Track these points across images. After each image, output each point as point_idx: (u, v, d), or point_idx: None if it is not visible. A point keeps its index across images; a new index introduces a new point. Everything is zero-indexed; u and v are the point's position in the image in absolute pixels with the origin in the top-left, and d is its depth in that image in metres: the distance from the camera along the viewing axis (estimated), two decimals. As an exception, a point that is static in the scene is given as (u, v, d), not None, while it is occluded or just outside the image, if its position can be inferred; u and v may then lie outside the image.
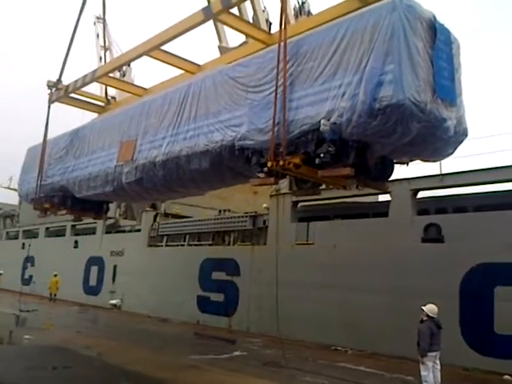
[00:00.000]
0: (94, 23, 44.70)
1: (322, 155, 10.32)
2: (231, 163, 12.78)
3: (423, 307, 10.89)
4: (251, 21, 28.19)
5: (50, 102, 19.72)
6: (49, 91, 19.61)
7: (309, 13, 30.63)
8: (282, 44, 10.98)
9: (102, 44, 45.66)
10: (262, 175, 11.55)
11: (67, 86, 18.90)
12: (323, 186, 13.68)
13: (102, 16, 45.98)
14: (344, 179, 11.16)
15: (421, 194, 17.46)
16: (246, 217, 22.91)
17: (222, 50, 27.56)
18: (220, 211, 26.21)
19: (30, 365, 12.32)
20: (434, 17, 9.91)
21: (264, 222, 22.05)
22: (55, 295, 31.36)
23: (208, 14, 13.14)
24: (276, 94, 10.86)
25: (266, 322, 19.39)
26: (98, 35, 44.63)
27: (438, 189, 17.11)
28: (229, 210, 26.06)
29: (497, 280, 14.33)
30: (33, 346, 15.41)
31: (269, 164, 10.76)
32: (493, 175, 15.42)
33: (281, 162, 10.50)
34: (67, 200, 19.26)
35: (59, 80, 19.35)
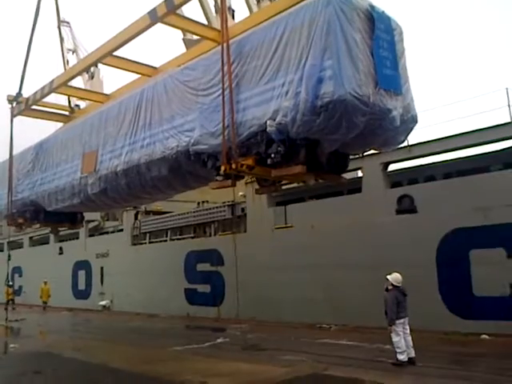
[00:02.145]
0: (58, 27, 43.75)
1: (272, 155, 10.30)
2: (189, 168, 12.73)
3: (388, 276, 11.21)
4: (213, 9, 27.77)
5: (12, 116, 19.44)
6: (10, 105, 19.30)
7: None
8: (225, 45, 10.87)
9: (69, 47, 44.95)
10: (219, 178, 11.49)
11: (27, 99, 18.63)
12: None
13: (65, 20, 45.36)
14: (301, 175, 11.09)
15: (392, 168, 17.70)
16: (225, 206, 23.03)
17: (187, 42, 27.18)
18: (198, 203, 26.31)
19: (8, 373, 12.19)
20: (371, 6, 9.81)
21: (242, 209, 22.23)
22: (46, 303, 31.10)
23: (153, 17, 12.91)
24: (223, 97, 10.77)
25: (252, 308, 19.82)
26: (63, 39, 43.77)
27: (407, 160, 17.23)
28: (207, 202, 26.13)
29: (471, 244, 14.63)
30: (16, 353, 15.27)
31: (222, 168, 10.69)
32: (457, 142, 15.64)
33: (233, 165, 10.44)
34: (40, 213, 19.20)
35: (19, 93, 19.01)
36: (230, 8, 29.65)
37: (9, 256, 37.87)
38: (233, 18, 29.80)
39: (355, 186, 17.73)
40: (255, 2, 28.02)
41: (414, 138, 15.57)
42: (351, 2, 9.46)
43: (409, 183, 17.30)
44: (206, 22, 15.94)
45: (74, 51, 43.77)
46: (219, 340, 15.77)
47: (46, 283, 31.06)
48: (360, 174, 18.26)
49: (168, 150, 12.48)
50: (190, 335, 18.01)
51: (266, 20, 11.59)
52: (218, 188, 11.97)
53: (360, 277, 16.42)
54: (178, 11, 13.47)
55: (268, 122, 9.93)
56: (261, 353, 13.42)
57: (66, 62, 28.41)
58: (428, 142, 16.26)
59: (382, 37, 9.87)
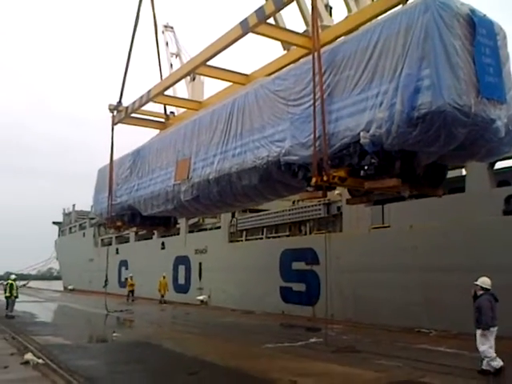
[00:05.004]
0: (163, 32, 45.72)
1: (366, 167, 10.00)
2: (280, 178, 12.63)
3: (476, 282, 10.60)
4: (310, 8, 27.41)
5: (113, 124, 20.38)
6: (111, 114, 20.22)
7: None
8: (317, 54, 10.65)
9: (172, 51, 46.86)
10: (310, 189, 11.29)
11: (127, 108, 19.43)
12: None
13: (169, 25, 47.25)
14: (396, 187, 10.63)
15: (499, 165, 16.46)
16: (320, 205, 22.61)
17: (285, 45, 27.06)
18: (294, 202, 26.08)
19: (112, 360, 13.13)
20: (472, 10, 9.19)
21: (338, 208, 21.81)
22: (163, 296, 32.06)
23: (245, 27, 12.96)
24: (315, 107, 10.55)
25: (348, 308, 19.47)
26: (166, 43, 45.76)
27: None
28: (303, 200, 25.90)
29: None
30: (119, 342, 16.12)
31: (313, 180, 10.48)
32: None
33: (325, 177, 10.22)
34: (136, 217, 19.95)
35: (119, 102, 19.87)
36: (327, 5, 29.18)
37: (117, 250, 40.39)
38: (330, 15, 29.35)
39: (458, 185, 16.62)
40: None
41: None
42: (450, 8, 8.88)
43: None
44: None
45: (177, 55, 45.68)
46: (312, 340, 15.47)
47: (164, 277, 32.30)
48: (463, 172, 17.15)
49: (258, 160, 12.46)
50: (283, 333, 17.93)
51: (363, 23, 11.29)
52: (308, 199, 11.82)
53: (461, 280, 15.08)
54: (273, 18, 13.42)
55: (361, 133, 9.60)
56: (354, 355, 13.00)
57: (166, 69, 29.18)
58: None
59: (483, 42, 9.20)
